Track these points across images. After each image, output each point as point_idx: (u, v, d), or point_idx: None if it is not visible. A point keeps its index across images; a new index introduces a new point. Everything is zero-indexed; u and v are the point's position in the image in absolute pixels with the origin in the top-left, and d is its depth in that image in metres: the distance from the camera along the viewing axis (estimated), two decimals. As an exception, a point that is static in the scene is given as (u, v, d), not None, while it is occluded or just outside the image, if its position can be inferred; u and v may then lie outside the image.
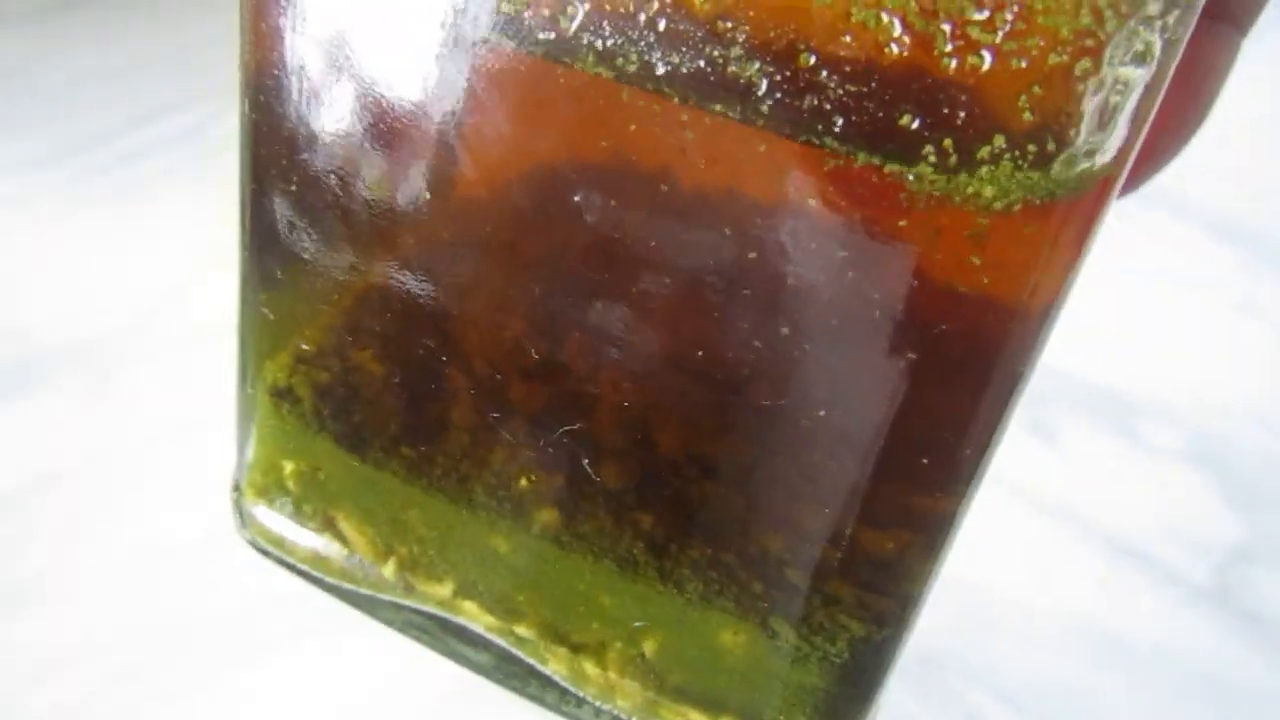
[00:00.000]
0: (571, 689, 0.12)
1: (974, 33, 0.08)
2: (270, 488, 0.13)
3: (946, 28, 0.08)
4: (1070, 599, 0.37)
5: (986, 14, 0.08)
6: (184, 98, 0.55)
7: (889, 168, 0.09)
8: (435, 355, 0.11)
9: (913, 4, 0.08)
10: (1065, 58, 0.08)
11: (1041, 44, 0.08)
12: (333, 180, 0.11)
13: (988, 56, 0.08)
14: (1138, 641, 0.36)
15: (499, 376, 0.11)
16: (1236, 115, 0.54)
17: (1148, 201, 0.50)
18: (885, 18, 0.08)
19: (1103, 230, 0.13)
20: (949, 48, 0.08)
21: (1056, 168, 0.09)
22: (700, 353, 0.10)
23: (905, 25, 0.08)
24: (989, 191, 0.09)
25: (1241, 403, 0.43)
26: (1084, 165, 0.09)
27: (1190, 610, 0.37)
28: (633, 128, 0.09)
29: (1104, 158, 0.10)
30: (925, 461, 0.12)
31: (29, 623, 0.37)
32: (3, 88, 0.56)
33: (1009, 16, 0.08)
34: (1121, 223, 0.52)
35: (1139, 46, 0.09)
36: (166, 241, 0.48)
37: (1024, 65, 0.08)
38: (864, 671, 0.12)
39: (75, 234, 0.49)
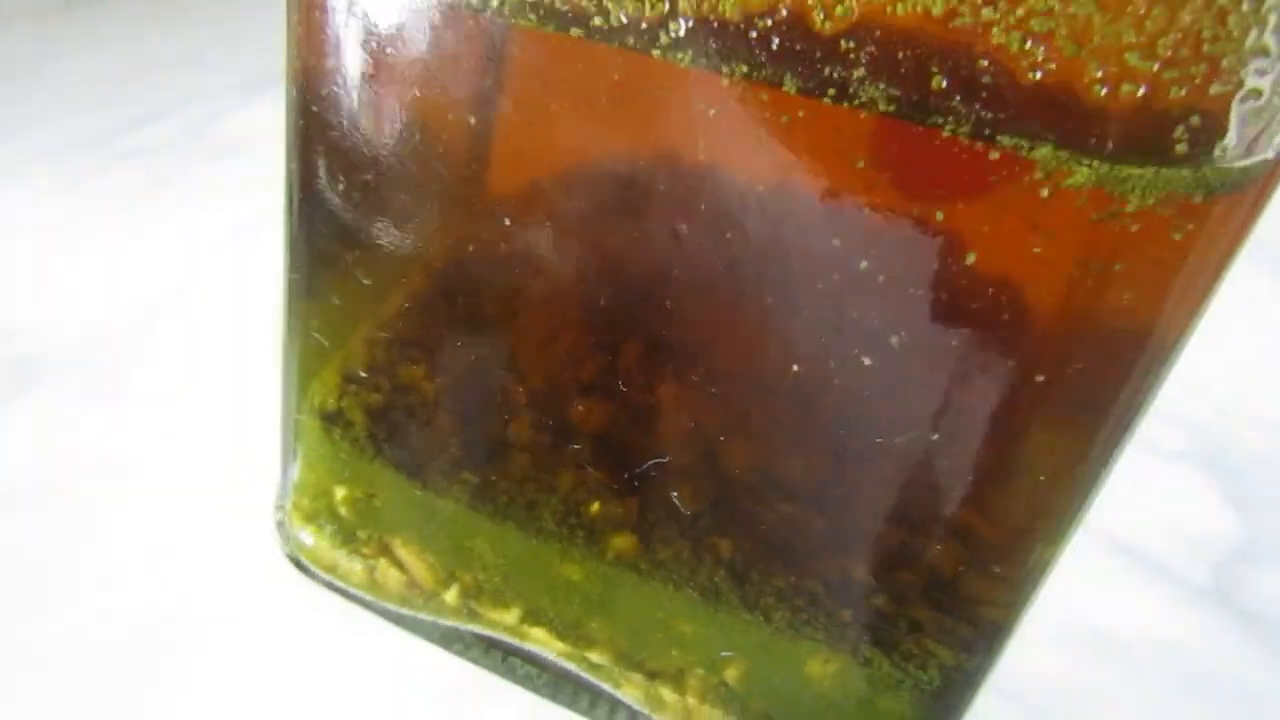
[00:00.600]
0: (645, 713, 0.11)
1: (1131, 59, 0.08)
2: (320, 512, 0.12)
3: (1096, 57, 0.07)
4: (1069, 597, 0.37)
5: (1144, 41, 0.07)
6: (184, 98, 0.55)
7: (1029, 175, 0.08)
8: (500, 376, 0.10)
9: (1062, 28, 0.07)
10: (1228, 87, 0.08)
11: (1203, 71, 0.08)
12: (390, 197, 0.11)
13: (1142, 86, 0.07)
14: (1137, 641, 0.36)
15: (566, 398, 0.09)
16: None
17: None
18: (1029, 42, 0.07)
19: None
20: (1099, 74, 0.07)
21: (1206, 170, 0.08)
22: (794, 372, 0.09)
23: (1050, 51, 0.07)
24: (1134, 197, 0.09)
25: (1241, 402, 0.43)
26: (1240, 163, 0.08)
27: (1190, 610, 0.37)
28: (734, 141, 0.08)
29: (1252, 159, 0.09)
30: (1022, 500, 0.10)
31: (29, 622, 0.37)
32: (2, 88, 0.56)
33: (1169, 45, 0.07)
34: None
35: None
36: (166, 242, 0.48)
37: (1182, 93, 0.07)
38: (953, 698, 0.11)
39: (75, 234, 0.49)
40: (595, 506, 0.11)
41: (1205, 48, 0.07)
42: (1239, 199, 0.09)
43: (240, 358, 0.44)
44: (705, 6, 0.08)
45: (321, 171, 0.11)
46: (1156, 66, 0.08)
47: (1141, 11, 0.07)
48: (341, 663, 0.36)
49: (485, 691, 0.35)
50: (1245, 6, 0.08)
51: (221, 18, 0.60)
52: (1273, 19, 0.08)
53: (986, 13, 0.08)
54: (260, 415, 0.43)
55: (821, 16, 0.08)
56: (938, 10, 0.08)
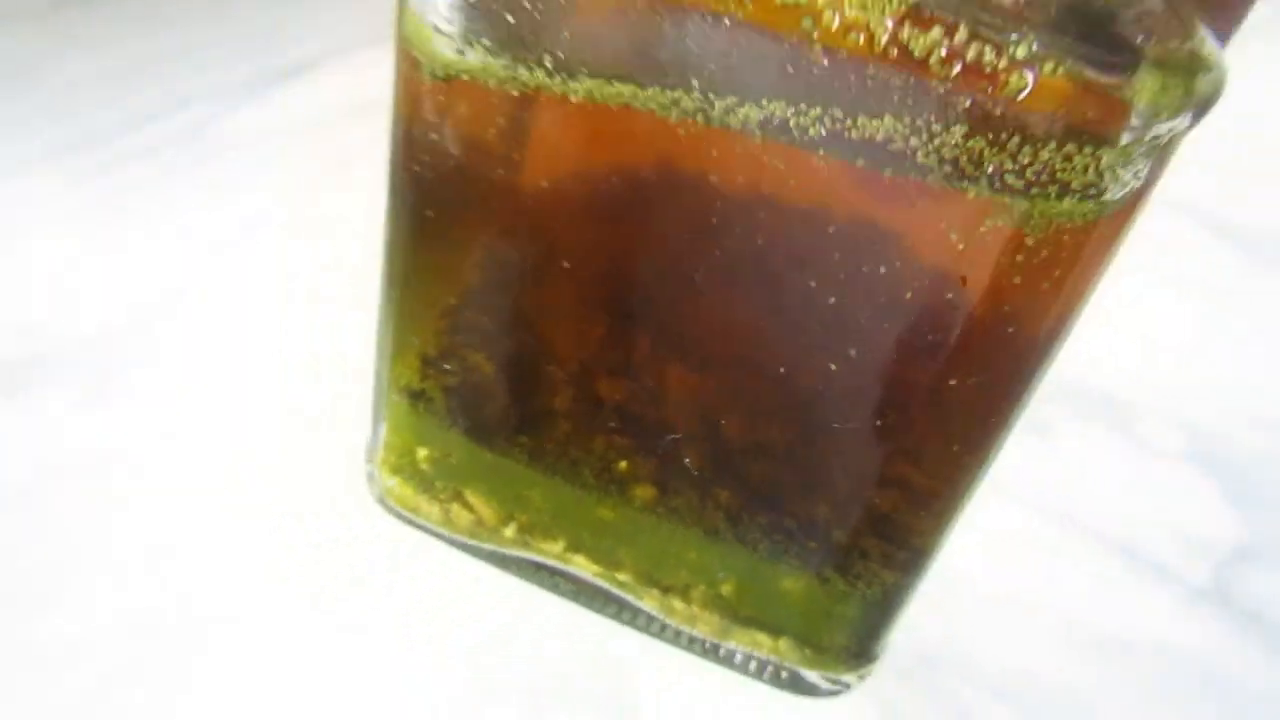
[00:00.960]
0: (660, 617, 0.15)
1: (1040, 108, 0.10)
2: (404, 466, 0.15)
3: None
4: (1069, 599, 0.37)
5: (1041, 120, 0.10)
6: (183, 98, 0.55)
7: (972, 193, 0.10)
8: (547, 363, 0.13)
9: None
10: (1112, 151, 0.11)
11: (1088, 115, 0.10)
12: (460, 230, 0.13)
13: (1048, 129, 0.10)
14: (1137, 642, 0.36)
15: (598, 381, 0.13)
16: (1237, 114, 0.54)
17: (1148, 202, 0.50)
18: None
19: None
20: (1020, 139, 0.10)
21: (1089, 203, 0.11)
22: (774, 368, 0.12)
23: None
24: (1036, 220, 0.11)
25: (1241, 402, 0.43)
26: (1112, 197, 0.11)
27: (1190, 610, 0.37)
28: (760, 174, 0.11)
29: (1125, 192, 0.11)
30: (943, 461, 0.14)
31: (29, 622, 0.37)
32: (1, 86, 0.56)
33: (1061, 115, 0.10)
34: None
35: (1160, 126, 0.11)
36: (165, 241, 0.48)
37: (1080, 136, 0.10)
38: (890, 605, 0.15)
39: (74, 234, 0.49)
40: (623, 465, 0.14)
41: (1093, 130, 0.10)
42: (1115, 219, 0.12)
43: (241, 357, 0.44)
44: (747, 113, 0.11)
45: (415, 203, 0.12)
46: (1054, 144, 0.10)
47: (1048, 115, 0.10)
48: (342, 664, 0.36)
49: (485, 692, 0.35)
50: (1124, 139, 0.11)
51: (222, 17, 0.60)
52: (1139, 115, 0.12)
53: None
54: (260, 415, 0.43)
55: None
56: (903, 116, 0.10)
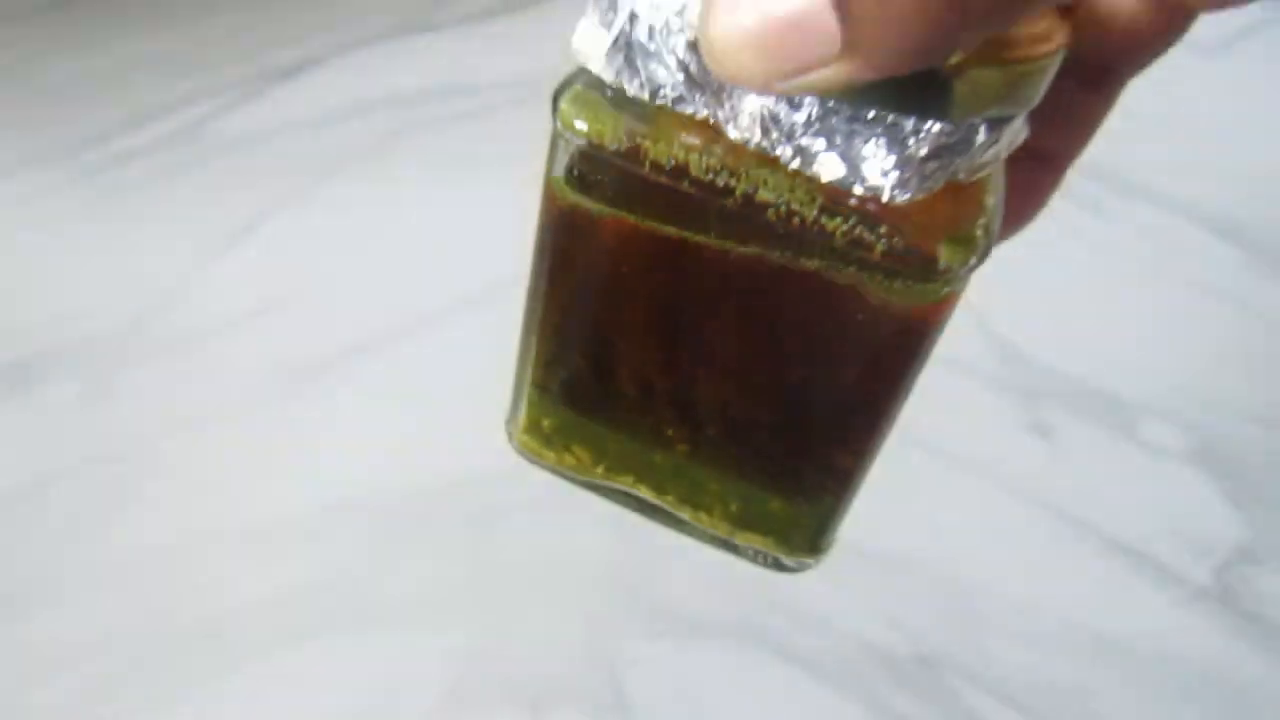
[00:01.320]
0: (691, 522, 0.24)
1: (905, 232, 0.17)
2: (533, 430, 0.24)
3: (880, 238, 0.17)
4: (1071, 599, 0.37)
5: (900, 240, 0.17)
6: (180, 98, 0.55)
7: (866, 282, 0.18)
8: (625, 367, 0.23)
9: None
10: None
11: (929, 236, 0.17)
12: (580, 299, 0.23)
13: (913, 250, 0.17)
14: (1139, 641, 0.36)
15: (657, 379, 0.22)
16: (1236, 117, 0.54)
17: (1149, 202, 0.50)
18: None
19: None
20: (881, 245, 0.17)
21: (931, 288, 0.18)
22: (769, 378, 0.22)
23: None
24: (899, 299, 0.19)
25: (1242, 402, 0.43)
26: (944, 288, 0.19)
27: (1192, 610, 0.37)
28: (750, 271, 0.19)
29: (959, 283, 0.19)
30: (857, 420, 0.22)
31: (29, 622, 0.37)
32: (0, 87, 0.56)
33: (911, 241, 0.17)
34: (1123, 223, 0.53)
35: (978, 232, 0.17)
36: (163, 241, 0.48)
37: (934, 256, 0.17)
38: (832, 516, 0.24)
39: (72, 233, 0.49)
40: (669, 431, 0.23)
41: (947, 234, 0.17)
42: (952, 295, 0.19)
43: (240, 357, 0.44)
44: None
45: (547, 271, 0.23)
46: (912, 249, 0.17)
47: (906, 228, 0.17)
48: (340, 663, 0.36)
49: (484, 694, 0.35)
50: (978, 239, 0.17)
51: (220, 17, 0.59)
52: (985, 220, 0.18)
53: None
54: (258, 414, 0.43)
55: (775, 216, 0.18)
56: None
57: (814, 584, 0.38)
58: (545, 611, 0.37)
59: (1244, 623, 0.37)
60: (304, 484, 0.40)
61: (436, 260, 0.48)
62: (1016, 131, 0.18)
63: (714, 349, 0.21)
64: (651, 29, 0.16)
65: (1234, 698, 0.35)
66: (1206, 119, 0.54)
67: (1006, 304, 0.46)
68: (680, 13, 0.16)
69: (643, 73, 0.17)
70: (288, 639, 0.36)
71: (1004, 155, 0.18)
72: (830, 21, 0.13)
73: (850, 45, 0.13)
